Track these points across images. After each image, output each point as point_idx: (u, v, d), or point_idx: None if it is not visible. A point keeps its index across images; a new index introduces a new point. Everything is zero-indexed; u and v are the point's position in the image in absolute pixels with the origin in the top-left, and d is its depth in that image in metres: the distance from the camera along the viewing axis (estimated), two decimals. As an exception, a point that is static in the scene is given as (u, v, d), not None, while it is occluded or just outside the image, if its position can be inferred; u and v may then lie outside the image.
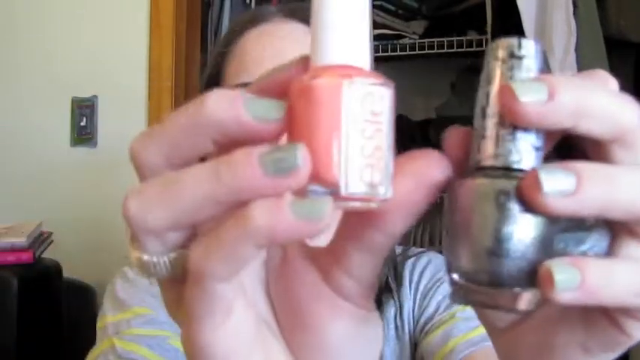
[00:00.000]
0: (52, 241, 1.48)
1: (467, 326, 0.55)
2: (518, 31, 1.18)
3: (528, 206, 0.19)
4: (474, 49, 1.95)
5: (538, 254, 0.20)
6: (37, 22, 1.65)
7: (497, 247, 0.20)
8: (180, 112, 0.19)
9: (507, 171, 0.20)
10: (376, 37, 2.06)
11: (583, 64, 1.09)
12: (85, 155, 1.61)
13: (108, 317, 0.59)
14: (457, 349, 0.53)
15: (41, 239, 1.43)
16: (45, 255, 1.42)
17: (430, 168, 0.21)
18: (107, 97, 1.60)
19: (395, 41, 2.06)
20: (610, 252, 0.21)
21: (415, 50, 2.05)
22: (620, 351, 0.22)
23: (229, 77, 0.57)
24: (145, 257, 0.20)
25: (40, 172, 1.63)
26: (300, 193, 0.18)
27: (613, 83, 0.22)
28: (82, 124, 1.60)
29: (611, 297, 0.19)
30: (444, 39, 2.01)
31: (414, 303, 0.63)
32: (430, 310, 0.60)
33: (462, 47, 1.98)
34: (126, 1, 1.60)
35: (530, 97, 0.19)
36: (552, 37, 1.11)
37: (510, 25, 1.23)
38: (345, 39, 0.20)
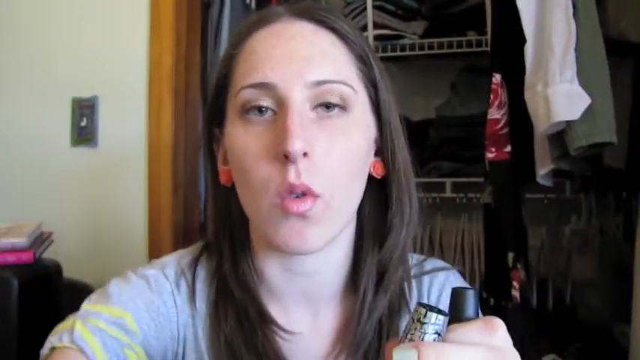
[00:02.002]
0: (52, 241, 1.48)
1: None
2: (519, 31, 1.18)
3: None
4: (473, 49, 1.96)
5: None
6: (37, 23, 1.65)
7: None
8: None
9: None
10: (376, 37, 2.06)
11: (583, 64, 1.09)
12: (86, 155, 1.61)
13: (86, 304, 0.58)
14: None
15: (41, 239, 1.43)
16: (45, 255, 1.42)
17: None
18: (107, 97, 1.60)
19: (395, 41, 2.07)
20: None
21: (415, 50, 2.05)
22: None
23: (239, 77, 0.56)
24: None
25: (40, 172, 1.63)
26: None
27: (501, 332, 0.35)
28: (83, 124, 1.60)
29: None
30: (444, 39, 2.01)
31: None
32: None
33: (462, 47, 1.99)
34: (126, 1, 1.60)
35: (401, 357, 0.33)
36: (552, 37, 1.11)
37: (510, 25, 1.22)
38: None
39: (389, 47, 2.06)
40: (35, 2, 1.65)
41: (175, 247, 0.72)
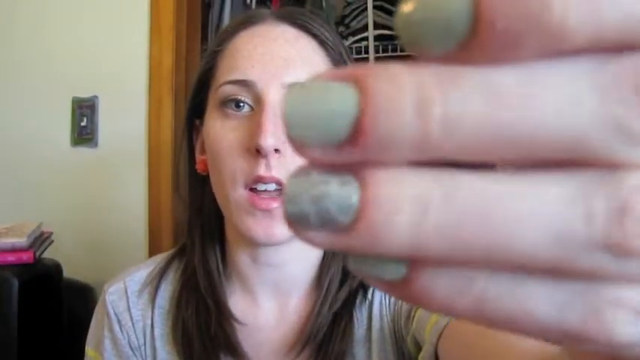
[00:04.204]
0: (53, 241, 1.48)
1: None
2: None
3: None
4: (474, 49, 1.95)
5: None
6: (38, 22, 1.65)
7: None
8: None
9: None
10: (376, 38, 2.06)
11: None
12: (86, 155, 1.61)
13: (89, 349, 0.67)
14: (441, 316, 0.52)
15: (41, 239, 1.43)
16: (45, 255, 1.42)
17: None
18: (107, 97, 1.60)
19: (395, 41, 2.07)
20: None
21: (415, 50, 2.05)
22: None
23: (221, 74, 0.58)
24: None
25: (40, 172, 1.63)
26: None
27: None
28: (83, 124, 1.60)
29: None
30: (444, 39, 2.01)
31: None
32: None
33: (462, 47, 1.99)
34: (126, 1, 1.60)
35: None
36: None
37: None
38: None
39: (389, 47, 2.06)
40: (35, 2, 1.65)
41: (175, 247, 0.72)
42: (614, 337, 0.12)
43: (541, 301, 0.12)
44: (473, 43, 0.11)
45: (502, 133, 0.11)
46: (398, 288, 0.12)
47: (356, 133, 0.11)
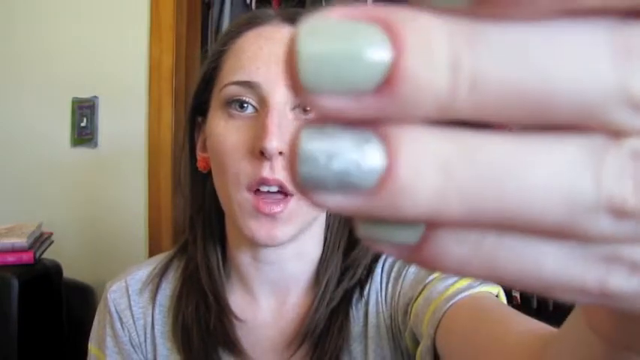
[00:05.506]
0: (53, 241, 1.48)
1: (444, 285, 0.54)
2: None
3: None
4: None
5: None
6: (37, 22, 1.65)
7: None
8: None
9: None
10: (376, 37, 2.06)
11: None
12: (85, 155, 1.61)
13: (91, 346, 0.68)
14: (437, 309, 0.52)
15: (41, 240, 1.43)
16: (45, 255, 1.42)
17: None
18: (107, 97, 1.60)
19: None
20: None
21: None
22: None
23: (226, 74, 0.58)
24: None
25: (40, 172, 1.63)
26: None
27: None
28: (83, 124, 1.60)
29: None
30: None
31: (386, 288, 0.62)
32: (408, 279, 0.60)
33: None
34: (126, 1, 1.60)
35: None
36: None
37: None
38: None
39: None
40: (35, 2, 1.65)
41: (175, 246, 0.72)
42: (608, 289, 0.12)
43: (547, 259, 0.12)
44: None
45: (524, 93, 0.11)
46: (412, 252, 0.12)
47: (386, 82, 0.10)
